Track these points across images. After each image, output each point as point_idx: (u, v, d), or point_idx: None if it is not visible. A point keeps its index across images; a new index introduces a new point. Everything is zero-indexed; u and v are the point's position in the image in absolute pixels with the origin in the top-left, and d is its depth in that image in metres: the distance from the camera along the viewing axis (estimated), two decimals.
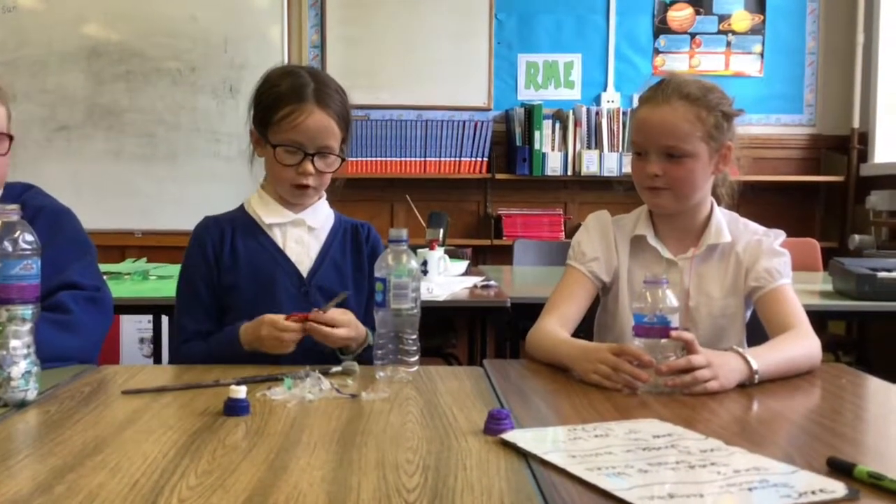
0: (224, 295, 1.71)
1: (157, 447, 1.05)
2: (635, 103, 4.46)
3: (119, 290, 2.36)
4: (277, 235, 1.73)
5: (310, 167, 1.66)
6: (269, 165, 1.72)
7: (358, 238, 1.79)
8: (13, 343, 1.23)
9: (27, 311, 1.24)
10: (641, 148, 1.63)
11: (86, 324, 1.60)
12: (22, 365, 1.24)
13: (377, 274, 1.44)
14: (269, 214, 1.73)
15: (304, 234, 1.74)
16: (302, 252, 1.73)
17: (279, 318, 1.53)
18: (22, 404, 1.24)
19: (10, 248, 1.22)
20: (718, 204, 1.72)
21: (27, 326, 1.25)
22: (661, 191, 1.63)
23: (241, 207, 1.78)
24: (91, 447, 1.05)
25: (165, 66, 4.40)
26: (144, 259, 3.54)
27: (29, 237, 1.24)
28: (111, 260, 3.51)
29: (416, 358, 1.46)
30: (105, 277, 1.76)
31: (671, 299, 1.40)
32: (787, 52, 4.60)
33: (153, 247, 4.17)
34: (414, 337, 1.45)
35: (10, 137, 1.60)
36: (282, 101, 1.66)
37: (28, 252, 1.23)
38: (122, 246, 4.23)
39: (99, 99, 4.40)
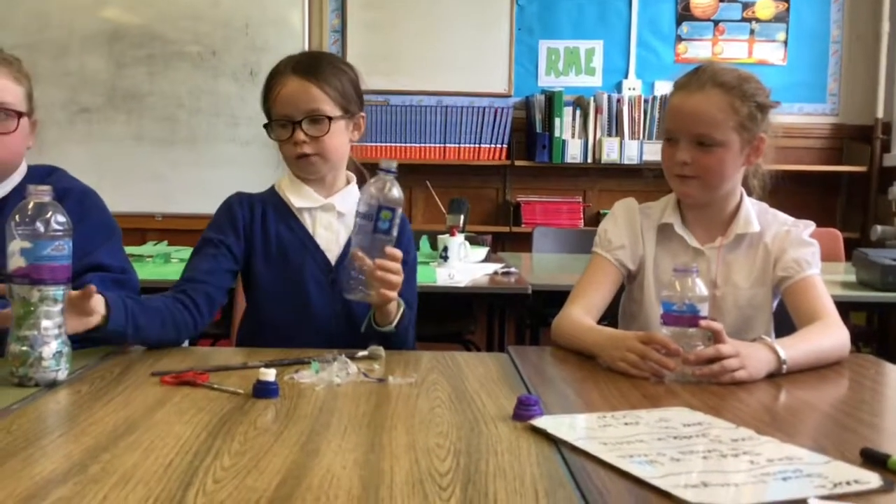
0: (250, 277, 1.71)
1: (188, 428, 1.06)
2: (657, 90, 4.46)
3: (142, 272, 2.34)
4: (307, 220, 1.73)
5: (300, 134, 1.65)
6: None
7: None
8: (45, 323, 1.24)
9: (59, 291, 1.24)
10: (673, 134, 1.62)
11: None
12: (53, 345, 1.25)
13: (387, 204, 1.45)
14: (299, 198, 1.73)
15: (333, 219, 1.74)
16: (331, 239, 1.73)
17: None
18: (53, 384, 1.25)
19: (42, 229, 1.22)
20: (749, 195, 1.71)
21: (58, 307, 1.25)
22: (690, 179, 1.62)
23: (272, 189, 1.78)
24: (123, 428, 1.06)
25: (186, 50, 4.41)
26: (165, 242, 3.55)
27: (61, 218, 1.24)
28: (133, 243, 3.52)
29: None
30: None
31: (701, 288, 1.39)
32: (811, 40, 4.55)
33: (174, 230, 4.20)
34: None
35: (20, 115, 1.59)
36: (267, 83, 1.71)
37: (60, 233, 1.24)
38: (143, 229, 4.27)
39: (120, 82, 4.42)
